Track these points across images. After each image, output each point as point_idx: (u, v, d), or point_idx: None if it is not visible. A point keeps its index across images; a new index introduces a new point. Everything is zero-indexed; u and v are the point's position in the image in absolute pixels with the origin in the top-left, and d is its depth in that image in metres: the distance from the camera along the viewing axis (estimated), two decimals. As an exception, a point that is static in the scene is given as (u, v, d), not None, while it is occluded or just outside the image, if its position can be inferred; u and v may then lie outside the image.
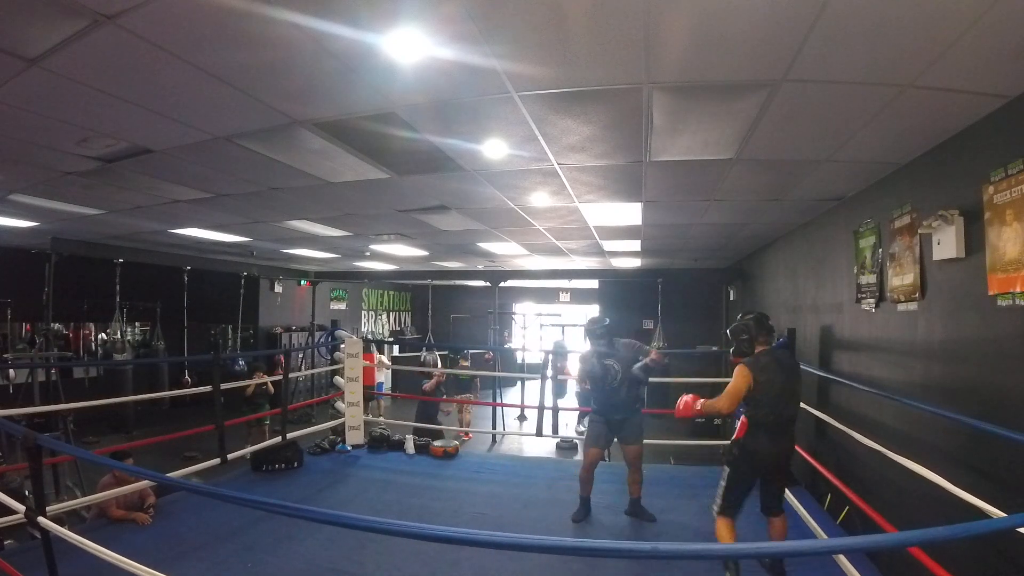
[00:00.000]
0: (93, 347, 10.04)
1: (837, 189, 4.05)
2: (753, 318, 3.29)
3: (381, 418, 8.02)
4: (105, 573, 2.31)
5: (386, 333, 16.69)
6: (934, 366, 3.00)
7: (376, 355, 10.08)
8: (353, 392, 5.78)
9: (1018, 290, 2.27)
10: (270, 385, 7.38)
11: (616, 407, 4.00)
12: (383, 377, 10.42)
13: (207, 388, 4.55)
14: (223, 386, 4.55)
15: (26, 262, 7.54)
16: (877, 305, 3.65)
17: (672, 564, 3.13)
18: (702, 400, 3.00)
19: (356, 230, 6.36)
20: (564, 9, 1.84)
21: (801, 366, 3.34)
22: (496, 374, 10.30)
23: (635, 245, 7.29)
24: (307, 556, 3.33)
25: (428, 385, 8.48)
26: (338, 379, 6.21)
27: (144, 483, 3.74)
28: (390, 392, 10.44)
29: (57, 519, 2.77)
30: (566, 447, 8.76)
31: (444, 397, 8.73)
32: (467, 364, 10.29)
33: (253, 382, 6.85)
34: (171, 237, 6.91)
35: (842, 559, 2.94)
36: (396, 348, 13.35)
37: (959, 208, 2.66)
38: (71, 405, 5.28)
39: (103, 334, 10.08)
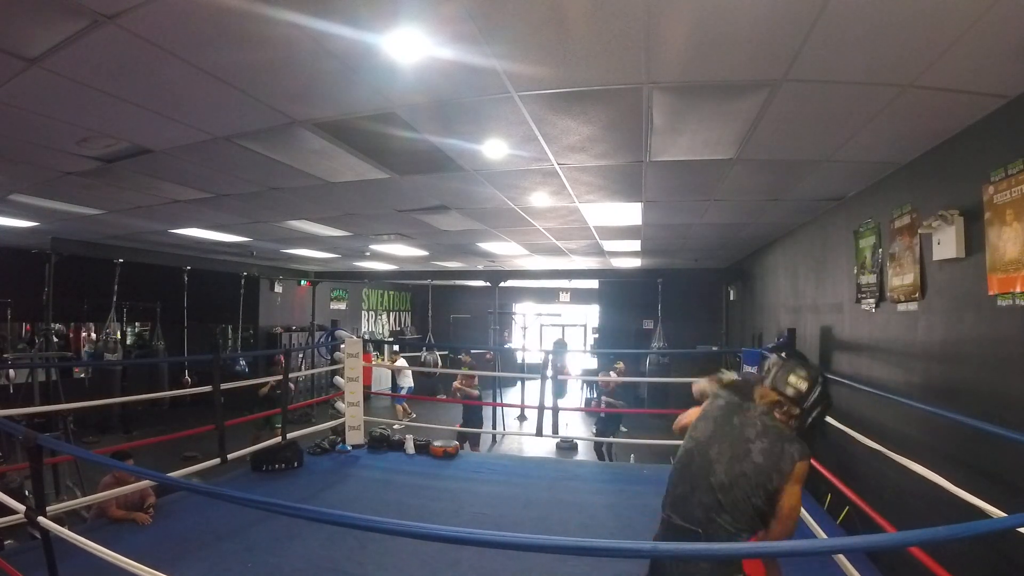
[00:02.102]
0: (85, 348, 10.01)
1: (837, 189, 4.05)
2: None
3: (404, 422, 7.93)
4: (105, 573, 2.31)
5: (386, 333, 16.69)
6: (934, 366, 3.00)
7: (375, 358, 10.10)
8: (353, 392, 5.78)
9: (1018, 290, 2.27)
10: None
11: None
12: (408, 380, 10.40)
13: (207, 388, 4.55)
14: (223, 386, 4.55)
15: (26, 262, 7.54)
16: (877, 305, 3.65)
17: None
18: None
19: (356, 230, 6.36)
20: (564, 9, 1.84)
21: (785, 448, 1.83)
22: (496, 374, 10.30)
23: (635, 245, 7.29)
24: (307, 556, 3.33)
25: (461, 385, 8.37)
26: (338, 379, 6.21)
27: (144, 483, 3.74)
28: (434, 396, 10.36)
29: (57, 519, 2.77)
30: (566, 447, 8.76)
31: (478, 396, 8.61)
32: (470, 359, 10.30)
33: (270, 380, 6.61)
34: (171, 237, 6.91)
35: (842, 559, 2.94)
36: (396, 348, 13.36)
37: (959, 208, 2.66)
38: (71, 405, 5.28)
39: (88, 334, 10.05)
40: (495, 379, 10.18)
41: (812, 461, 1.92)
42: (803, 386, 1.96)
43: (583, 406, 11.14)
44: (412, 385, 10.54)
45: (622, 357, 9.62)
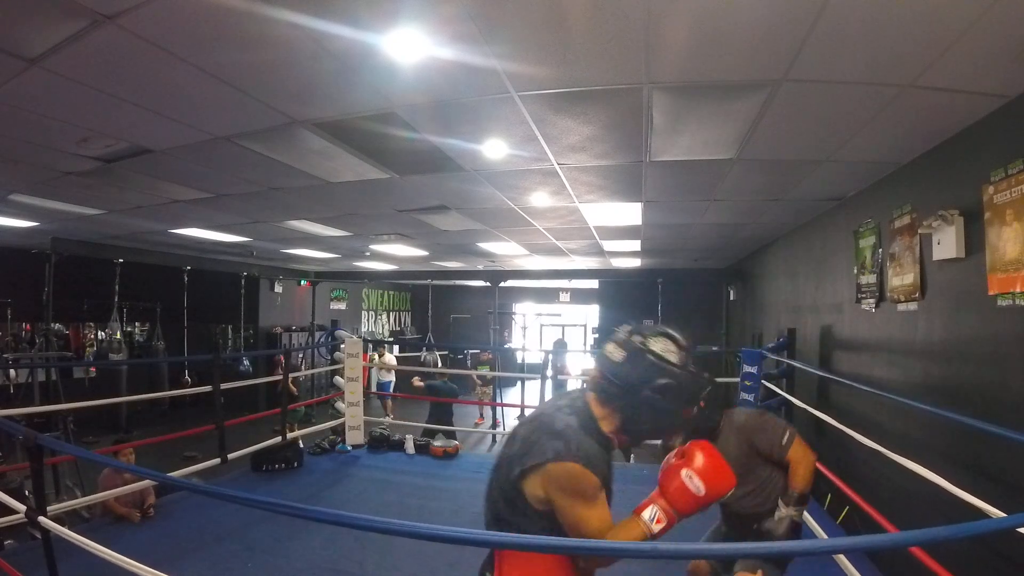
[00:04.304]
0: (86, 348, 9.99)
1: (837, 189, 4.05)
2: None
3: (389, 417, 8.00)
4: (105, 573, 2.31)
5: (386, 333, 16.68)
6: (934, 366, 3.00)
7: (375, 356, 10.09)
8: (353, 392, 5.78)
9: (1018, 290, 2.27)
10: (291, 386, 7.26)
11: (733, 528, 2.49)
12: (391, 377, 10.42)
13: (207, 388, 4.55)
14: (223, 386, 4.55)
15: (26, 262, 7.54)
16: (877, 305, 3.65)
17: (672, 564, 3.13)
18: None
19: (356, 230, 6.36)
20: (564, 9, 1.84)
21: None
22: (496, 374, 10.30)
23: (635, 245, 7.29)
24: (307, 556, 3.33)
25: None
26: (338, 379, 6.21)
27: (146, 482, 3.74)
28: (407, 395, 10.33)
29: (57, 519, 2.77)
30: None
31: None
32: (490, 356, 10.31)
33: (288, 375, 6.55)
34: (171, 237, 6.90)
35: (842, 559, 2.94)
36: (396, 348, 13.34)
37: (959, 208, 2.66)
38: (71, 405, 5.28)
39: (96, 333, 10.05)
40: (495, 379, 10.18)
41: (577, 467, 1.31)
42: (618, 355, 1.45)
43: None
44: (392, 380, 10.51)
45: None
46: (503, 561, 1.44)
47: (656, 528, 1.36)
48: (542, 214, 5.33)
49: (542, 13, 1.85)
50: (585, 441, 1.36)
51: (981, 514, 2.21)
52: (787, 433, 2.37)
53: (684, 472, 1.38)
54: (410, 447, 5.68)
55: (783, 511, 2.29)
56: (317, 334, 11.36)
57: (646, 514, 1.37)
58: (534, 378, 6.87)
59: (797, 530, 2.29)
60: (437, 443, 5.64)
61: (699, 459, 1.39)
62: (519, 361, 14.76)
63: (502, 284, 11.15)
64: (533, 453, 1.34)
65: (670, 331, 1.48)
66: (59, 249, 6.88)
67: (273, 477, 4.91)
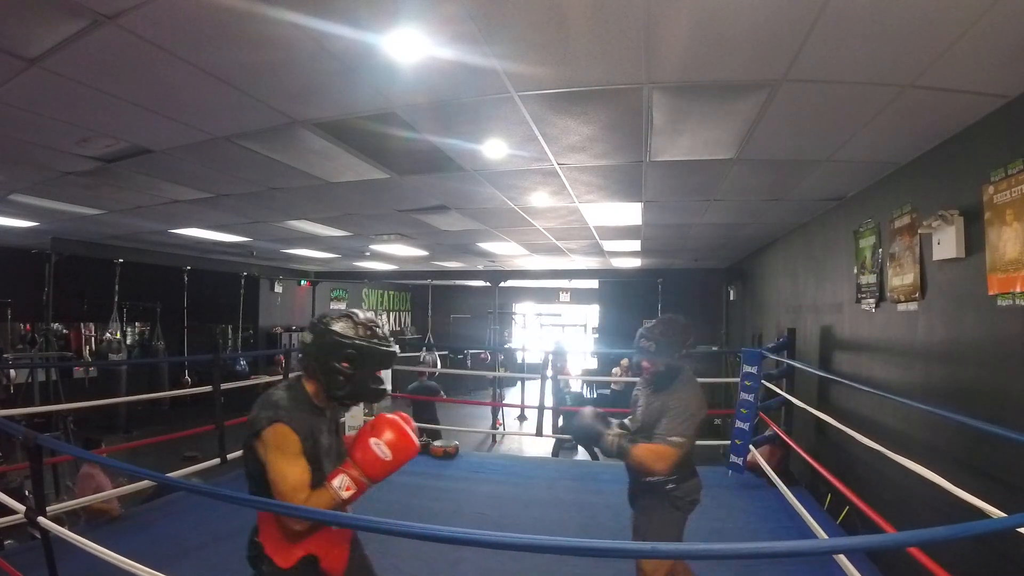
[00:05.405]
0: (85, 349, 9.99)
1: (837, 189, 4.05)
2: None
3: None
4: (105, 573, 2.31)
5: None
6: (934, 366, 3.00)
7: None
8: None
9: (1018, 290, 2.27)
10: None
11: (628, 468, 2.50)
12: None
13: (207, 388, 4.55)
14: (223, 386, 4.55)
15: (26, 262, 7.54)
16: (877, 305, 3.65)
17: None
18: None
19: (356, 230, 6.36)
20: (564, 9, 1.84)
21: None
22: (496, 374, 10.30)
23: (635, 245, 7.29)
24: (307, 556, 3.33)
25: None
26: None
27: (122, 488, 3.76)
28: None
29: (57, 519, 2.77)
30: (566, 447, 8.75)
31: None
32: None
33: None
34: (171, 237, 6.90)
35: (842, 559, 2.93)
36: (396, 348, 13.34)
37: (959, 208, 2.66)
38: (71, 405, 5.28)
39: (95, 333, 10.04)
40: (495, 379, 10.18)
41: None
42: (308, 338, 1.72)
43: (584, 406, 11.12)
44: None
45: (624, 356, 9.63)
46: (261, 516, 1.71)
47: (345, 495, 1.57)
48: (542, 214, 5.33)
49: (542, 13, 1.85)
50: (293, 407, 1.62)
51: (981, 514, 2.21)
52: (671, 429, 2.28)
53: (372, 441, 1.61)
54: (410, 447, 5.67)
55: (617, 435, 2.33)
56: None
57: (336, 482, 1.58)
58: (534, 378, 6.86)
59: (615, 454, 2.30)
60: (437, 443, 5.64)
61: (386, 430, 1.64)
62: (519, 361, 14.76)
63: (502, 284, 11.16)
64: (254, 424, 1.60)
65: (352, 312, 1.75)
66: (59, 249, 6.88)
67: (273, 477, 4.90)
